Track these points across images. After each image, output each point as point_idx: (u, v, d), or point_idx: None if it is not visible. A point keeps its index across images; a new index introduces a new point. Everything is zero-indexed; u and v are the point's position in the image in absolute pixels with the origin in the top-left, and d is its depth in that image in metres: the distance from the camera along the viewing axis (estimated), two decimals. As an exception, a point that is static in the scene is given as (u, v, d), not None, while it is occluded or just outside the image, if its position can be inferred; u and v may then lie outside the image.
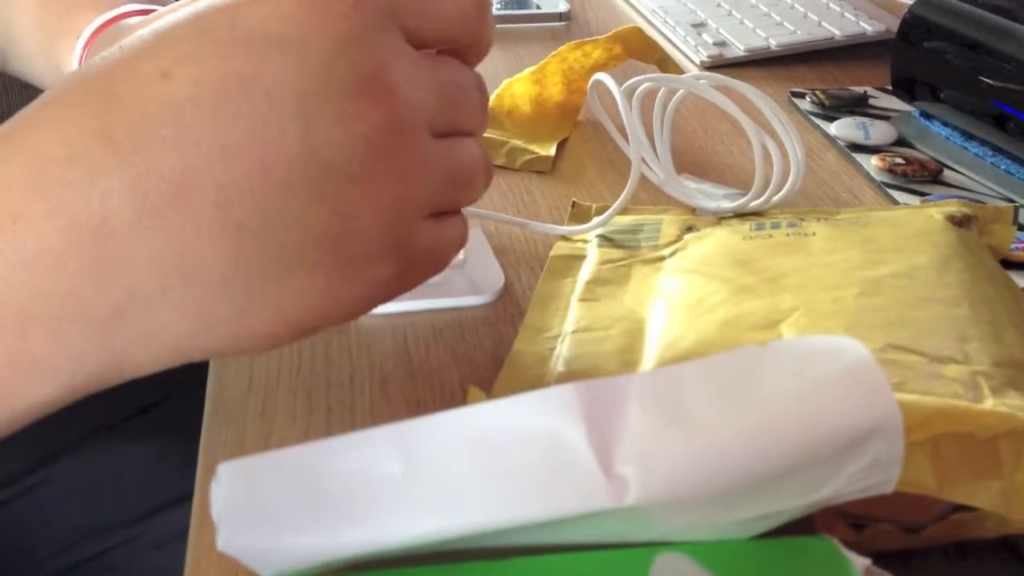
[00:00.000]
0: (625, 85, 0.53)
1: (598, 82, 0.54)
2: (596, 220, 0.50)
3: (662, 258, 0.47)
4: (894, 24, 0.75)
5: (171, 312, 0.29)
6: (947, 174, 0.56)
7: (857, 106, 0.64)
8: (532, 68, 0.65)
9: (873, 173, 0.56)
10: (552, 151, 0.61)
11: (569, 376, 0.39)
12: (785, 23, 0.76)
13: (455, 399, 0.41)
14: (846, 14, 0.77)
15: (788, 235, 0.45)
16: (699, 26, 0.78)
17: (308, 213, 0.29)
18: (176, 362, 0.31)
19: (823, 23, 0.76)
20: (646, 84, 0.54)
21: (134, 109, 0.29)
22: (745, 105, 0.51)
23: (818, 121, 0.63)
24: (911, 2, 0.85)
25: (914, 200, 0.54)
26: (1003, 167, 0.56)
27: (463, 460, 0.26)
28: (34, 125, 0.29)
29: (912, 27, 0.61)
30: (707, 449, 0.25)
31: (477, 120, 0.35)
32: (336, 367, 0.43)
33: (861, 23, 0.75)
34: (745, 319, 0.39)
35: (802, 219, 0.46)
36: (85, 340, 0.29)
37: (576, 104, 0.65)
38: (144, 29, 0.30)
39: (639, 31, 0.64)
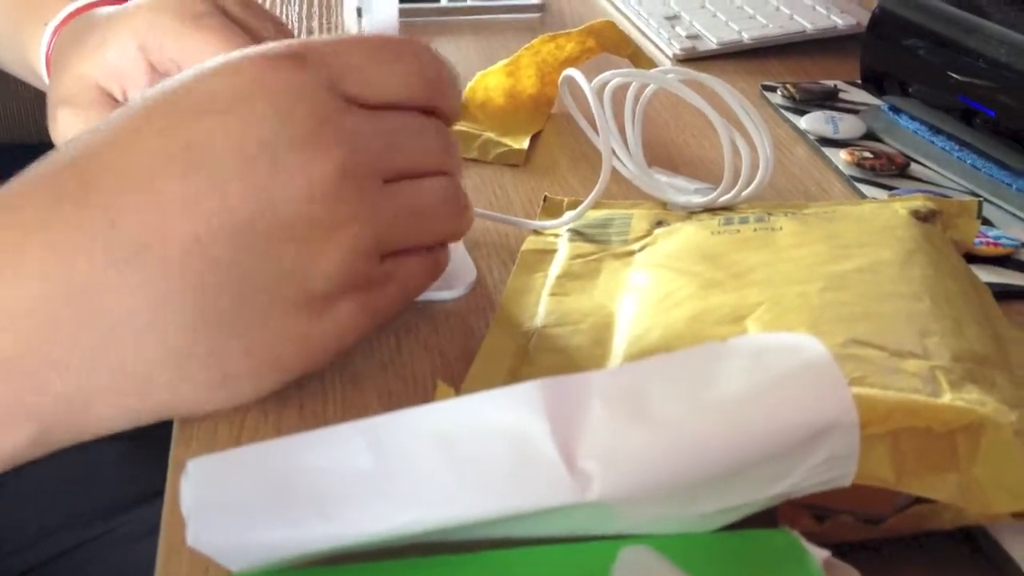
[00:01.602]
0: (596, 80, 0.53)
1: (569, 78, 0.55)
2: (568, 215, 0.51)
3: (632, 252, 0.47)
4: (865, 18, 0.75)
5: (146, 353, 0.31)
6: (914, 168, 0.57)
7: (827, 100, 0.65)
8: (505, 60, 0.65)
9: (841, 167, 0.57)
10: (525, 144, 0.61)
11: (539, 371, 0.39)
12: (758, 16, 0.77)
13: (427, 392, 0.41)
14: (817, 7, 0.77)
15: (756, 230, 0.45)
16: (673, 19, 0.78)
17: (265, 263, 0.32)
18: (152, 414, 0.33)
19: (795, 16, 0.76)
20: (617, 79, 0.54)
21: (104, 175, 0.32)
22: (715, 100, 0.51)
23: (788, 115, 0.64)
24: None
25: (882, 194, 0.54)
26: (969, 161, 0.57)
27: (431, 455, 0.27)
28: (12, 196, 0.32)
29: (882, 22, 0.61)
30: (668, 444, 0.26)
31: (438, 158, 0.37)
32: (308, 361, 0.43)
33: (832, 17, 0.76)
34: (712, 313, 0.39)
35: (770, 214, 0.47)
36: (60, 385, 0.31)
37: (549, 97, 0.66)
38: (125, 108, 0.33)
39: (612, 25, 0.64)
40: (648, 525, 0.28)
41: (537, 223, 0.51)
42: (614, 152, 0.56)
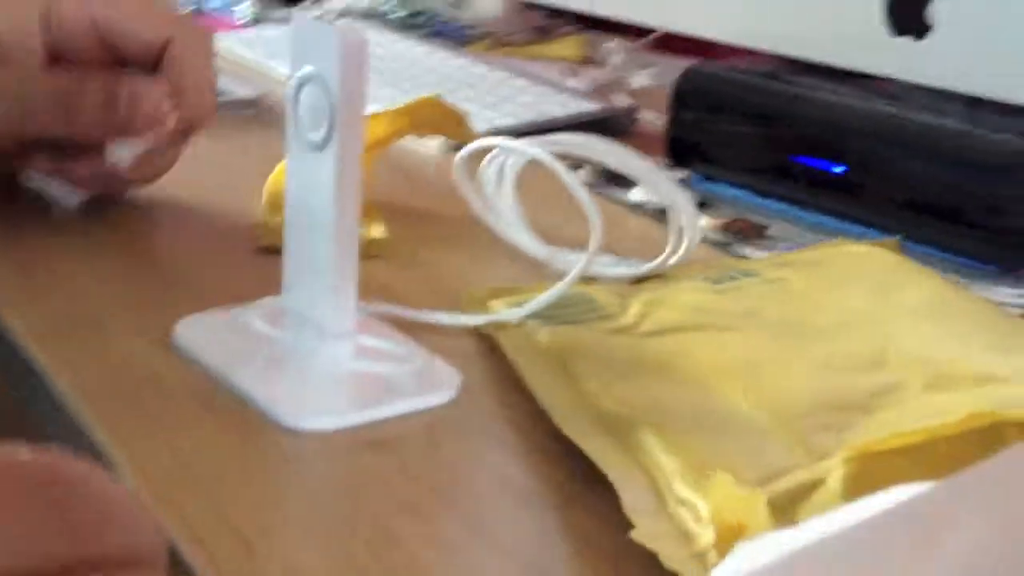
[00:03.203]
0: (486, 158, 0.48)
1: (467, 156, 0.48)
2: (502, 310, 0.44)
3: (629, 327, 0.42)
4: (609, 103, 0.77)
5: None
6: (771, 230, 0.58)
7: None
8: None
9: (709, 233, 0.56)
10: (383, 232, 0.52)
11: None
12: (503, 104, 0.75)
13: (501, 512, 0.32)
14: (550, 95, 0.77)
15: (765, 282, 0.43)
16: (415, 109, 0.73)
17: None
18: None
19: (540, 105, 0.75)
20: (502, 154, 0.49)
21: None
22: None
23: (609, 191, 0.62)
24: (594, 85, 0.88)
25: (762, 255, 0.54)
26: (812, 220, 0.59)
27: None
28: None
29: (689, 96, 0.63)
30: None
31: None
32: (336, 515, 0.32)
33: (574, 102, 0.76)
34: (836, 361, 0.35)
35: (779, 266, 0.45)
36: None
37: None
38: None
39: (438, 102, 0.58)
40: None
41: (496, 316, 0.43)
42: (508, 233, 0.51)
